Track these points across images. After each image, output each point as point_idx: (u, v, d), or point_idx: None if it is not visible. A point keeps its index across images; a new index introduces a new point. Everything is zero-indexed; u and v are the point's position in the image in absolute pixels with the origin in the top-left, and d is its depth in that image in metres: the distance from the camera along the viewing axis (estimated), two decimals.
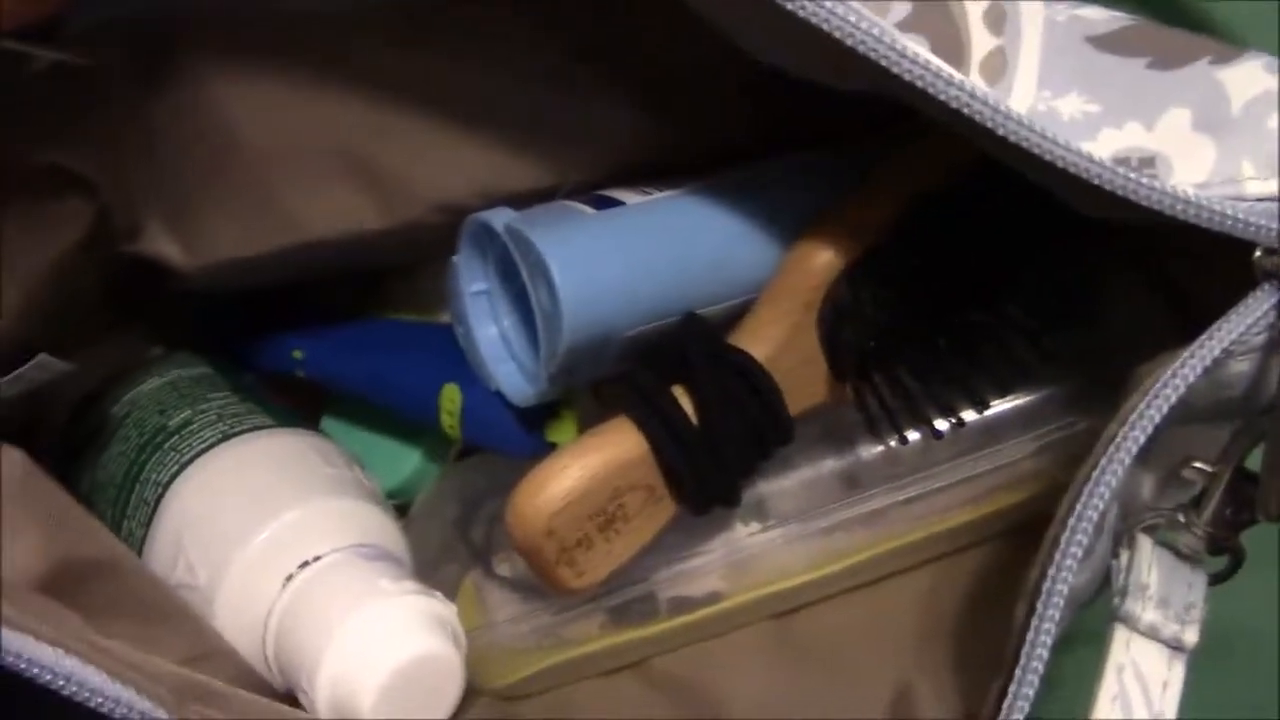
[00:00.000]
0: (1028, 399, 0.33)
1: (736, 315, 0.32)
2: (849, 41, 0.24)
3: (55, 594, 0.27)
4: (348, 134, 0.32)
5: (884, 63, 0.24)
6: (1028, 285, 0.32)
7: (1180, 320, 0.27)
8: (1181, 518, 0.26)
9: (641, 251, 0.31)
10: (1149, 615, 0.24)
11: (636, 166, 0.33)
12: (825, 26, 0.23)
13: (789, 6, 0.23)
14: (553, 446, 0.34)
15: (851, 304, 0.31)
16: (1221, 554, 0.26)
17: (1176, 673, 0.24)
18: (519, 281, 0.32)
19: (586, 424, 0.34)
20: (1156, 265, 0.30)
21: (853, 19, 0.24)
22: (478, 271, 0.33)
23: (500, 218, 0.32)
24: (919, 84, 0.24)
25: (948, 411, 0.31)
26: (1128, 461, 0.24)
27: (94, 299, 0.35)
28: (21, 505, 0.28)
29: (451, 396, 0.34)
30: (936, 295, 0.31)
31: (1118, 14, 0.26)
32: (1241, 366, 0.24)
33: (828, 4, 0.23)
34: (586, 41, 0.31)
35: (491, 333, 0.34)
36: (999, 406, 0.33)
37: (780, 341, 0.31)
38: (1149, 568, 0.25)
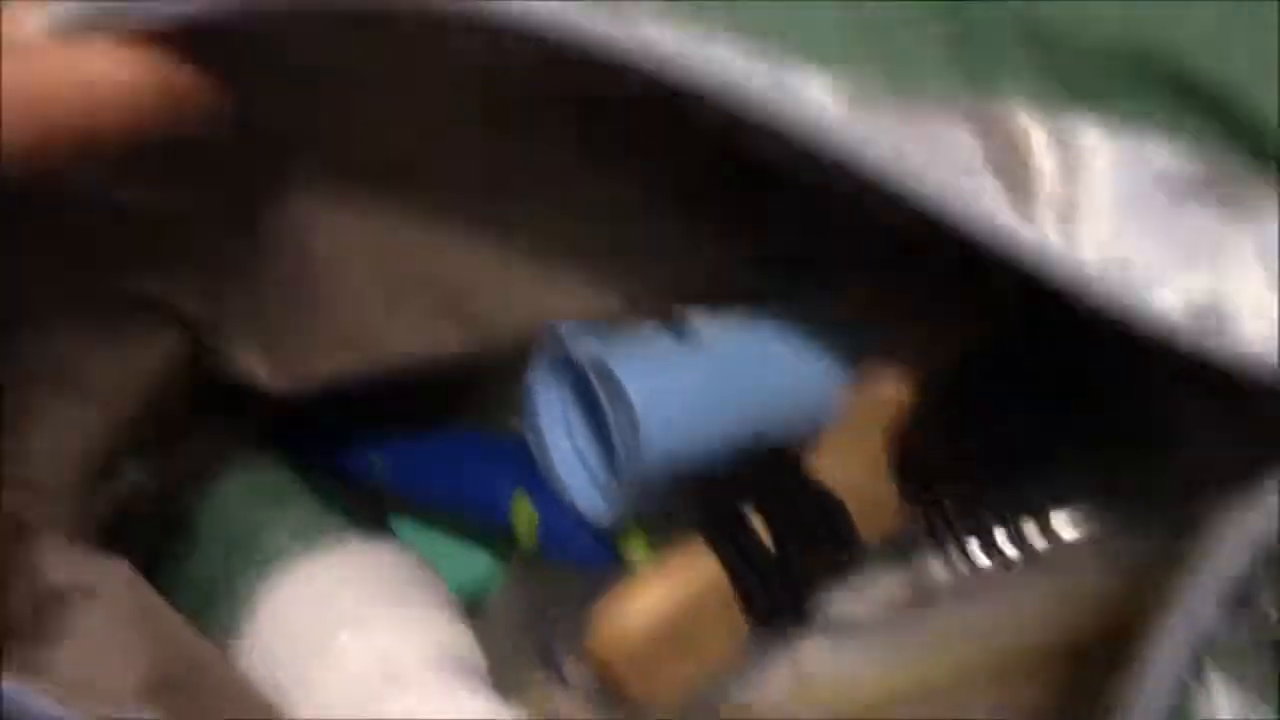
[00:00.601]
0: (1101, 526, 0.34)
1: (812, 437, 0.33)
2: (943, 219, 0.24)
3: (156, 702, 0.28)
4: (433, 263, 0.33)
5: (970, 233, 0.24)
6: (1105, 411, 0.32)
7: (1261, 455, 0.28)
8: (1257, 653, 0.26)
9: (720, 378, 0.32)
10: None
11: (716, 294, 0.34)
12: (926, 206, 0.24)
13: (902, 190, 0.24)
14: (623, 559, 0.35)
15: (924, 431, 0.31)
16: None
17: None
18: (595, 398, 0.33)
19: (654, 534, 0.35)
20: (1240, 397, 0.31)
21: (949, 197, 0.24)
22: (553, 388, 0.34)
23: (579, 340, 0.33)
24: (996, 249, 0.24)
25: (1019, 540, 0.32)
26: (1206, 611, 0.24)
27: (177, 409, 0.36)
28: (125, 615, 0.29)
29: (526, 510, 0.35)
30: (1010, 422, 0.32)
31: (1186, 149, 0.26)
32: None
33: (931, 180, 0.24)
34: (669, 177, 0.32)
35: (566, 448, 0.34)
36: (1072, 534, 0.33)
37: (853, 467, 0.32)
38: (1224, 704, 0.26)
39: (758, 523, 0.31)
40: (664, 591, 0.30)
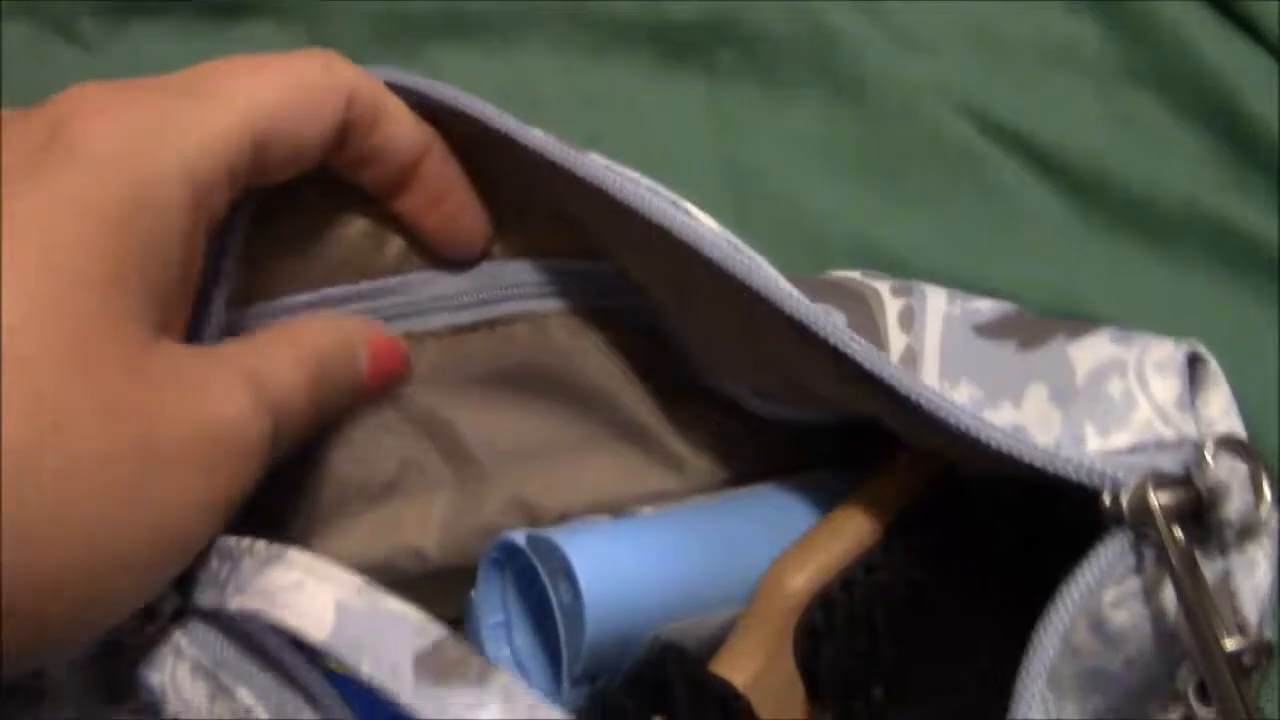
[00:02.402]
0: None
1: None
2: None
3: None
4: None
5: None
6: (1010, 597, 0.32)
7: None
8: None
9: (656, 551, 0.34)
10: None
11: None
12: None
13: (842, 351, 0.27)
14: None
15: (825, 627, 0.32)
16: None
17: None
18: (535, 602, 0.34)
19: None
20: None
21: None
22: (496, 601, 0.36)
23: (520, 534, 0.34)
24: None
25: None
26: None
27: None
28: None
29: None
30: (915, 614, 0.32)
31: (1000, 304, 0.29)
32: (1121, 617, 0.24)
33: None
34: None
35: (505, 654, 0.35)
36: None
37: (758, 668, 0.32)
38: None
39: None
40: None
